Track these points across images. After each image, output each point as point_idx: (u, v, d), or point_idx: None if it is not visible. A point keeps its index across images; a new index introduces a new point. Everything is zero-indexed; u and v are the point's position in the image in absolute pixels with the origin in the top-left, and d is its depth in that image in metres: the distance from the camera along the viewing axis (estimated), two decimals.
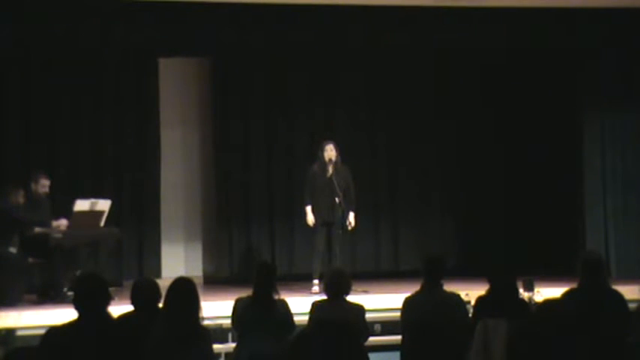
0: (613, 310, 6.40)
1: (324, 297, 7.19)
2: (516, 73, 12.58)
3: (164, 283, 6.01)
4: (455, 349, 6.72)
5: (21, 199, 9.84)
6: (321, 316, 6.88)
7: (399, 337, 7.06)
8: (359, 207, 10.84)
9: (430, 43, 11.70)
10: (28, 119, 11.44)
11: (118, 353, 5.12)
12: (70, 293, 7.39)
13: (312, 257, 10.63)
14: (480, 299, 6.95)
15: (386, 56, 12.22)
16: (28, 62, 11.45)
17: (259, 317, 6.86)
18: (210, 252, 12.23)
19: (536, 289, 7.91)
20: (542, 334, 4.61)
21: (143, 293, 6.04)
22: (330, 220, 10.50)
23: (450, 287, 7.14)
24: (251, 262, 11.60)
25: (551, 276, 9.76)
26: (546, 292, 7.88)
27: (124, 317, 5.95)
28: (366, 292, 9.79)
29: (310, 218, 10.56)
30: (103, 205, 10.07)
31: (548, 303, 5.22)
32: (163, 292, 5.77)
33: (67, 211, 9.90)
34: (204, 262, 12.23)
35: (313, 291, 10.29)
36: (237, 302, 7.09)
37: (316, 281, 10.35)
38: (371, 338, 7.45)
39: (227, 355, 8.20)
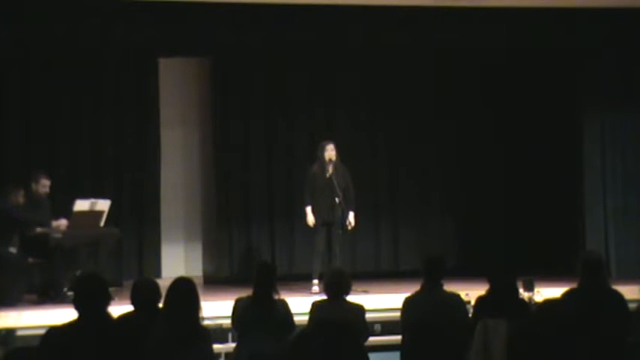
0: (613, 310, 6.40)
1: (324, 297, 7.19)
2: (516, 73, 12.58)
3: (164, 283, 6.01)
4: (455, 349, 6.72)
5: (21, 199, 9.84)
6: (321, 316, 6.88)
7: (399, 337, 7.06)
8: (359, 207, 10.84)
9: (430, 43, 11.70)
10: (28, 119, 11.44)
11: (118, 353, 5.12)
12: (70, 293, 7.39)
13: (312, 257, 10.63)
14: (479, 299, 6.95)
15: (386, 56, 12.22)
16: (28, 62, 11.45)
17: (259, 317, 6.86)
18: (210, 252, 12.23)
19: (536, 289, 7.91)
20: (542, 334, 4.61)
21: (143, 293, 6.03)
22: (330, 220, 10.51)
23: (450, 287, 7.14)
24: (251, 262, 11.60)
25: (551, 276, 9.76)
26: (546, 292, 7.88)
27: (124, 317, 5.95)
28: (366, 292, 9.79)
29: (310, 219, 10.56)
30: (103, 205, 10.07)
31: (548, 303, 5.22)
32: (163, 292, 5.77)
33: (67, 211, 9.89)
34: (204, 262, 12.22)
35: (313, 291, 10.30)
36: (237, 302, 7.09)
37: (316, 281, 10.35)
38: (371, 338, 7.45)
39: (227, 355, 8.20)
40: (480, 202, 12.70)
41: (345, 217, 10.45)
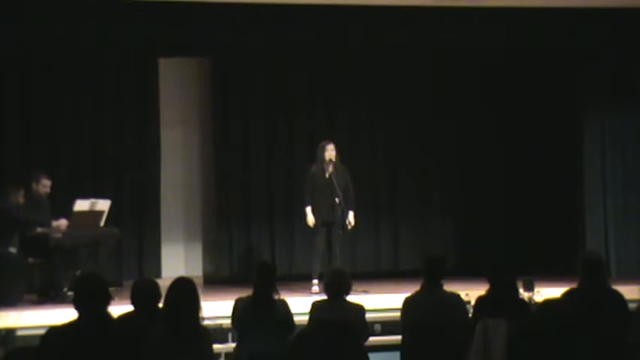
0: (613, 310, 6.40)
1: (324, 297, 7.19)
2: (516, 73, 12.58)
3: (164, 283, 6.01)
4: (455, 349, 6.72)
5: (21, 199, 9.84)
6: (321, 316, 6.88)
7: (399, 337, 7.06)
8: (359, 207, 10.84)
9: (430, 43, 11.71)
10: (28, 119, 11.44)
11: (118, 353, 5.12)
12: (70, 293, 7.39)
13: (312, 257, 10.62)
14: (479, 299, 6.95)
15: (386, 56, 12.22)
16: (28, 62, 11.45)
17: (259, 317, 6.86)
18: (210, 252, 12.22)
19: (536, 289, 7.91)
20: (542, 334, 4.62)
21: (143, 293, 6.03)
22: (330, 220, 10.50)
23: (450, 287, 7.13)
24: (251, 262, 11.60)
25: (551, 276, 9.76)
26: (546, 292, 7.88)
27: (124, 317, 5.95)
28: (366, 292, 9.79)
29: (310, 219, 10.56)
30: (103, 205, 10.06)
31: (548, 303, 5.23)
32: (163, 292, 5.76)
33: (67, 211, 9.89)
34: (204, 262, 12.22)
35: (313, 291, 10.30)
36: (237, 302, 7.09)
37: (316, 281, 10.35)
38: (371, 338, 7.45)
39: (227, 355, 8.20)
40: (479, 202, 12.70)
41: (345, 216, 10.45)
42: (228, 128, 12.17)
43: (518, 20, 11.16)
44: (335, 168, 10.55)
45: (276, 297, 6.95)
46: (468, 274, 10.27)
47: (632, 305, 6.73)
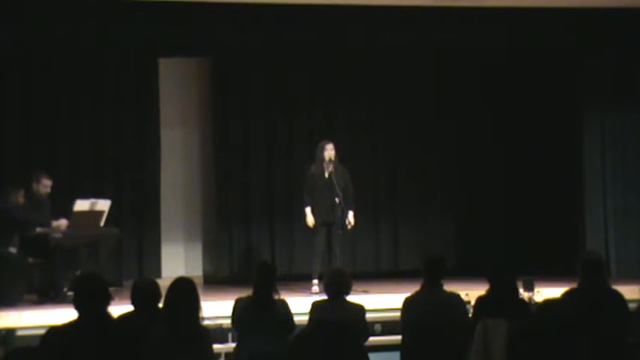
0: (613, 310, 6.40)
1: (324, 297, 7.19)
2: (516, 73, 12.58)
3: (164, 283, 6.01)
4: (455, 349, 6.72)
5: (21, 199, 9.84)
6: (321, 316, 6.88)
7: (399, 337, 7.06)
8: (359, 207, 10.84)
9: (430, 43, 11.71)
10: (28, 119, 11.43)
11: (118, 353, 5.12)
12: (70, 293, 7.39)
13: (312, 257, 10.62)
14: (479, 299, 6.95)
15: (386, 56, 12.22)
16: (28, 62, 11.44)
17: (259, 317, 6.86)
18: (210, 252, 12.22)
19: (536, 289, 7.91)
20: (542, 334, 4.62)
21: (143, 293, 6.03)
22: (329, 221, 10.50)
23: (450, 287, 7.13)
24: (251, 262, 11.60)
25: (551, 276, 9.76)
26: (546, 292, 7.87)
27: (124, 317, 5.95)
28: (366, 292, 9.79)
29: (310, 219, 10.55)
30: (103, 205, 10.06)
31: (548, 303, 5.23)
32: (163, 292, 5.76)
33: (67, 211, 9.89)
34: (204, 262, 12.22)
35: (313, 291, 10.30)
36: (237, 302, 7.09)
37: (316, 281, 10.35)
38: (371, 338, 7.45)
39: (227, 355, 8.20)
40: (480, 202, 12.70)
41: (345, 216, 10.45)
42: (228, 128, 12.17)
43: (518, 20, 11.16)
44: (334, 168, 10.55)
45: (276, 297, 6.95)
46: (468, 274, 10.27)
47: (632, 305, 6.73)
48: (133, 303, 6.04)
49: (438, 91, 12.69)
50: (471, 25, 11.13)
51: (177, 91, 12.23)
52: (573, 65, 12.06)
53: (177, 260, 12.01)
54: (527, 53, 12.13)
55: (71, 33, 10.57)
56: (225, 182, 12.12)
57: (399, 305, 7.10)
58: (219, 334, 8.20)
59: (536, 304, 7.28)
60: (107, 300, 5.23)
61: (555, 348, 4.59)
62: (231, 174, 12.15)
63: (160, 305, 5.75)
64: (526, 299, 7.60)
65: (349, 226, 10.54)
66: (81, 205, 9.90)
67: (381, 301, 9.39)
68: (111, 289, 5.45)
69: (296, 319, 7.04)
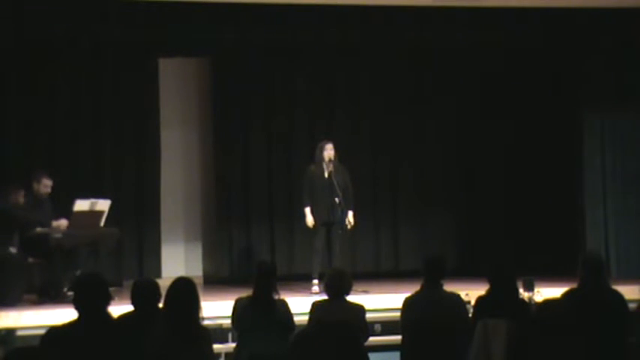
0: (613, 310, 6.40)
1: (324, 297, 7.19)
2: (516, 73, 12.57)
3: (164, 283, 6.01)
4: (455, 349, 6.72)
5: (21, 199, 9.83)
6: (321, 316, 6.88)
7: (399, 337, 7.06)
8: (359, 207, 10.84)
9: (430, 43, 11.70)
10: (28, 119, 11.43)
11: (118, 353, 5.12)
12: (70, 293, 7.39)
13: (312, 257, 10.62)
14: (479, 299, 6.95)
15: (386, 56, 12.22)
16: (28, 62, 11.44)
17: (259, 317, 6.86)
18: (210, 252, 12.22)
19: (536, 289, 7.90)
20: (542, 334, 4.61)
21: (143, 293, 6.03)
22: (329, 221, 10.49)
23: (450, 287, 7.14)
24: (251, 262, 11.59)
25: (551, 276, 9.76)
26: (546, 292, 7.87)
27: (124, 317, 5.95)
28: (366, 292, 9.78)
29: (309, 220, 10.54)
30: (103, 205, 10.06)
31: (548, 303, 5.23)
32: (163, 292, 5.76)
33: (67, 211, 9.89)
34: (204, 262, 12.22)
35: (313, 291, 10.29)
36: (237, 302, 7.09)
37: (316, 281, 10.35)
38: (371, 338, 7.46)
39: (227, 355, 8.19)
40: (480, 202, 12.69)
41: (345, 216, 10.44)
42: (228, 128, 12.17)
43: (519, 20, 11.16)
44: (334, 168, 10.54)
45: (276, 297, 6.95)
46: (468, 274, 10.27)
47: (632, 305, 6.74)
48: (133, 303, 6.04)
49: (438, 91, 12.68)
50: (470, 26, 11.13)
51: (177, 91, 12.23)
52: (573, 65, 12.06)
53: (177, 260, 12.01)
54: (527, 53, 12.12)
55: (71, 33, 10.57)
56: (225, 182, 12.12)
57: (399, 305, 7.10)
58: (219, 334, 8.19)
59: (536, 304, 7.28)
60: (107, 300, 5.23)
61: (555, 348, 4.59)
62: (231, 174, 12.15)
63: (160, 305, 5.75)
64: (526, 299, 7.59)
65: (349, 226, 10.53)
66: (81, 205, 9.90)
67: (381, 301, 9.38)
68: (111, 289, 5.45)
69: (296, 319, 7.04)
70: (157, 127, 11.88)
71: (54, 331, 5.17)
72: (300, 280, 10.96)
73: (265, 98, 12.26)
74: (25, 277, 9.83)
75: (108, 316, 5.23)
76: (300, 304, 7.86)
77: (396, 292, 9.07)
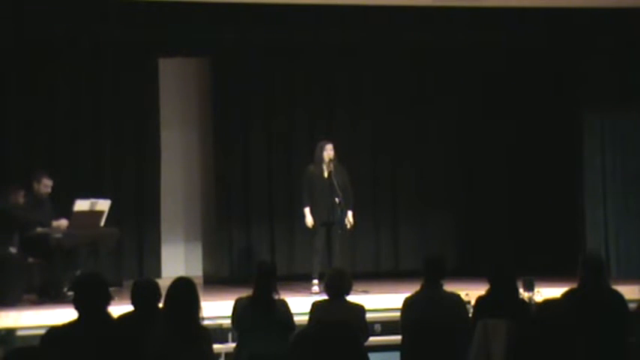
0: (613, 310, 6.41)
1: (324, 297, 7.19)
2: (516, 73, 12.57)
3: (164, 283, 6.01)
4: (455, 349, 6.72)
5: (21, 199, 9.84)
6: (321, 316, 6.88)
7: (399, 337, 7.06)
8: (359, 207, 10.84)
9: (430, 43, 11.71)
10: (28, 119, 11.43)
11: (118, 353, 5.12)
12: (70, 293, 7.39)
13: (312, 257, 10.62)
14: (479, 299, 6.95)
15: (386, 56, 12.22)
16: (28, 62, 11.44)
17: (259, 317, 6.86)
18: (210, 252, 12.22)
19: (536, 289, 7.90)
20: (542, 334, 4.61)
21: (143, 293, 6.03)
22: (329, 221, 10.49)
23: (450, 287, 7.14)
24: (251, 262, 11.59)
25: (551, 276, 9.76)
26: (546, 292, 7.87)
27: (124, 317, 5.95)
28: (366, 292, 9.78)
29: (309, 220, 10.53)
30: (103, 205, 10.06)
31: (548, 303, 5.23)
32: (163, 292, 5.76)
33: (67, 211, 9.89)
34: (204, 262, 12.22)
35: (313, 291, 10.29)
36: (237, 302, 7.08)
37: (316, 281, 10.34)
38: (371, 338, 7.46)
39: (227, 355, 8.20)
40: (480, 202, 12.69)
41: (344, 216, 10.44)
42: (228, 128, 12.17)
43: (519, 20, 11.16)
44: (334, 168, 10.54)
45: (276, 297, 6.95)
46: (468, 274, 10.27)
47: (632, 305, 6.74)
48: (133, 303, 6.04)
49: (439, 91, 12.68)
50: (471, 26, 11.13)
51: (177, 91, 12.23)
52: (573, 65, 12.06)
53: (177, 260, 12.01)
54: (528, 53, 12.12)
55: (71, 33, 10.57)
56: (225, 182, 12.12)
57: (399, 305, 7.10)
58: (219, 334, 8.19)
59: (536, 304, 7.29)
60: (107, 300, 5.23)
61: (555, 348, 4.59)
62: (231, 174, 12.15)
63: (160, 305, 5.75)
64: (526, 299, 7.59)
65: (349, 226, 10.53)
66: (81, 205, 9.90)
67: (381, 301, 9.38)
68: (111, 289, 5.45)
69: (296, 319, 7.04)
70: (157, 127, 11.88)
71: (54, 331, 5.17)
72: (300, 280, 10.96)
73: (265, 98, 12.26)
74: (25, 277, 9.83)
75: (108, 316, 5.23)
76: (300, 304, 7.86)
77: (396, 292, 9.07)
